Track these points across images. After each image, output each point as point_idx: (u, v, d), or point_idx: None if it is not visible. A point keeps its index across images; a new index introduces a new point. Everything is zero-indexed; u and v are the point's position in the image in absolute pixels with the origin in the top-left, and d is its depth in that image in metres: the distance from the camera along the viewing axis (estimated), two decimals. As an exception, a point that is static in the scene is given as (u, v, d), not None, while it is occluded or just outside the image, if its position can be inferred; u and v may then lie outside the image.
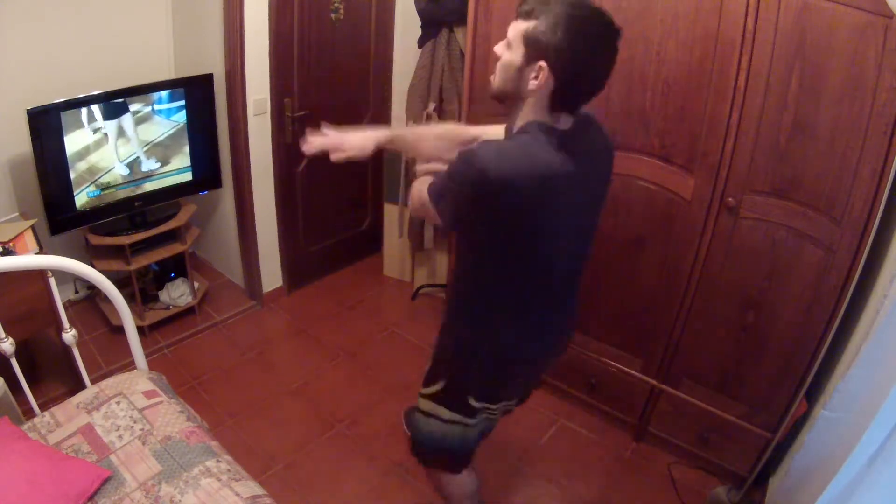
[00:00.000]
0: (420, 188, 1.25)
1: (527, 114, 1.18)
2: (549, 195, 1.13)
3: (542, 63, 1.09)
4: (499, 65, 1.18)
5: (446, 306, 1.48)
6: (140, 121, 2.44)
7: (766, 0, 1.56)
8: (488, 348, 1.36)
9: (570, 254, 1.33)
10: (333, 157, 1.43)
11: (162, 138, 2.55)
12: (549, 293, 1.35)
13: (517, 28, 1.12)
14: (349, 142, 1.44)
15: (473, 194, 1.11)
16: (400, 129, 1.44)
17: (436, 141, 1.51)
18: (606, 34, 1.10)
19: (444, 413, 1.46)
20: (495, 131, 1.39)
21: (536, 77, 1.11)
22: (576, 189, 1.19)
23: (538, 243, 1.22)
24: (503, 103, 1.23)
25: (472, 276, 1.33)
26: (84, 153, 2.32)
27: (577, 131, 1.19)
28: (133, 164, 2.50)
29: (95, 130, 2.32)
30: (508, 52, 1.15)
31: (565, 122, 1.19)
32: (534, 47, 1.09)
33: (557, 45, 1.07)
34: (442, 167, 1.29)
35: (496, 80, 1.20)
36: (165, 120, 2.53)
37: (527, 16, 1.10)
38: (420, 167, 1.40)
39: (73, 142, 2.27)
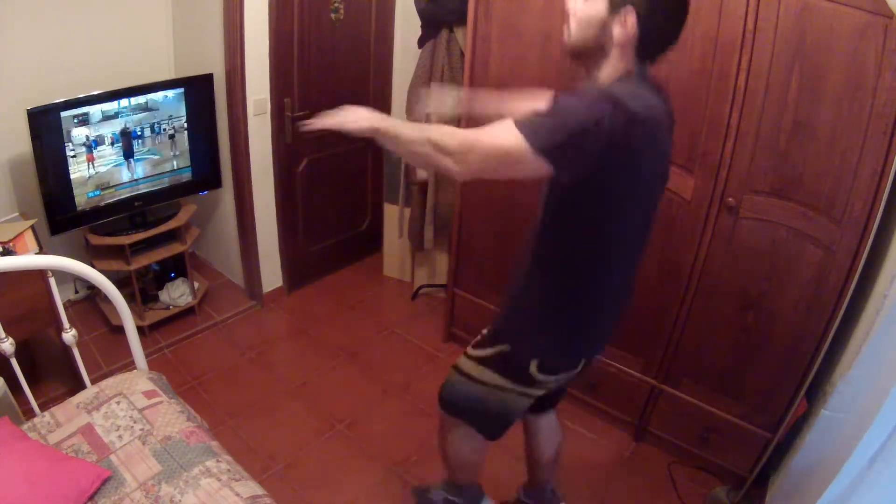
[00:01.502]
0: (487, 133, 1.09)
1: (614, 65, 1.15)
2: (663, 141, 1.15)
3: (629, 7, 1.09)
4: (576, 19, 1.16)
5: (524, 272, 1.39)
6: (140, 121, 2.44)
7: (766, 0, 1.56)
8: (570, 314, 1.33)
9: (650, 218, 1.31)
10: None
11: (162, 138, 2.55)
12: (626, 254, 1.32)
13: None
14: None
15: (611, 131, 1.03)
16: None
17: (473, 104, 1.50)
18: None
19: (495, 378, 1.42)
20: (532, 103, 1.34)
21: (624, 24, 1.11)
22: (670, 137, 1.20)
23: (638, 192, 1.19)
24: (581, 58, 1.20)
25: (560, 236, 1.28)
26: (84, 153, 2.32)
27: (659, 87, 1.19)
28: (133, 164, 2.50)
29: (95, 130, 2.32)
30: (587, 3, 1.14)
31: (647, 75, 1.18)
32: None
33: None
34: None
35: (574, 34, 1.17)
36: (165, 120, 2.53)
37: None
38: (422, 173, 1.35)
39: (73, 141, 2.27)
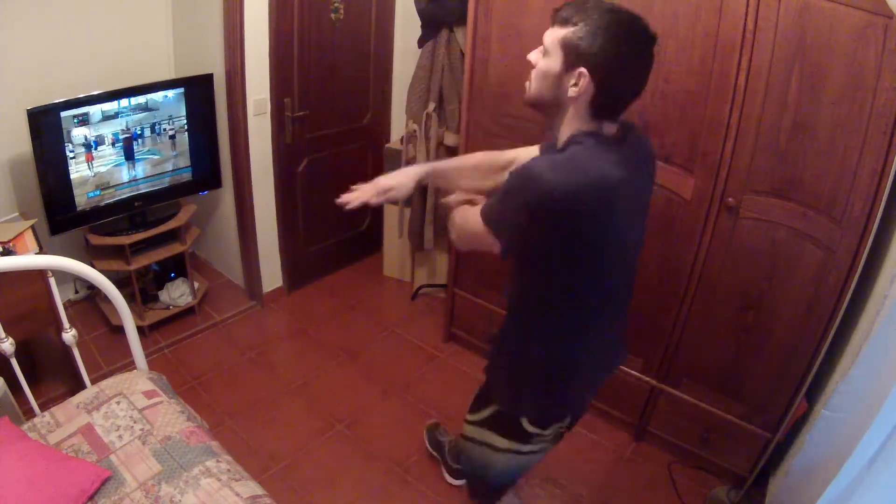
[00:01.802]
0: (465, 217, 1.25)
1: (570, 123, 1.15)
2: (607, 205, 1.11)
3: (583, 69, 1.07)
4: (534, 72, 1.16)
5: (501, 327, 1.43)
6: (140, 121, 2.44)
7: (766, 0, 1.56)
8: (547, 366, 1.32)
9: (624, 266, 1.31)
10: (376, 200, 1.46)
11: (162, 138, 2.55)
12: (606, 308, 1.31)
13: (555, 35, 1.10)
14: (387, 183, 1.46)
15: (533, 211, 1.08)
16: (438, 163, 1.45)
17: (473, 171, 1.52)
18: (644, 40, 1.09)
19: (498, 441, 1.43)
20: (528, 153, 1.39)
21: (576, 84, 1.09)
22: (628, 197, 1.17)
23: (597, 255, 1.19)
24: (539, 111, 1.21)
25: (530, 296, 1.30)
26: (84, 153, 2.32)
27: (621, 138, 1.18)
28: (133, 164, 2.49)
29: (95, 130, 2.32)
30: (545, 59, 1.13)
31: (608, 129, 1.16)
32: (573, 54, 1.08)
33: (597, 51, 1.06)
34: (474, 197, 1.34)
35: (532, 87, 1.18)
36: (165, 120, 2.53)
37: (564, 22, 1.09)
38: (452, 198, 1.41)
39: (73, 142, 2.27)
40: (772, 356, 1.90)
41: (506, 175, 1.19)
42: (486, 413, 1.45)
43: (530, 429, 1.38)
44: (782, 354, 1.87)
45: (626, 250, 1.29)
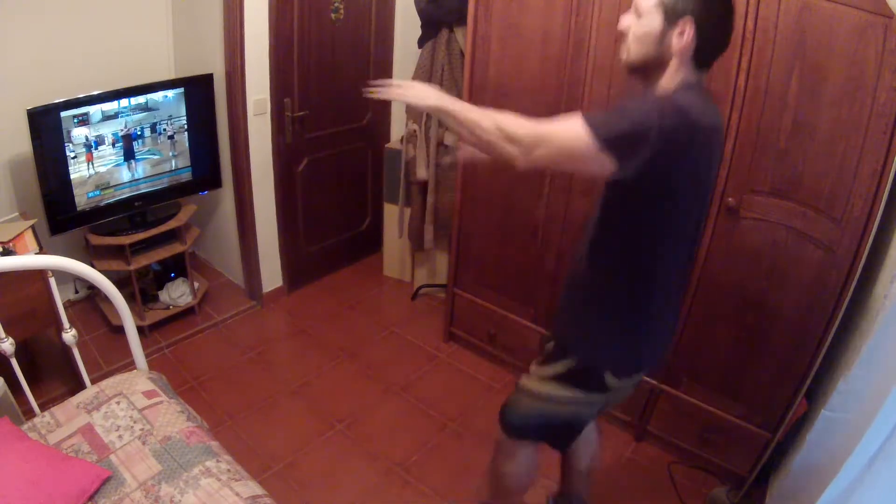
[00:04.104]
0: (550, 129, 1.13)
1: (673, 76, 1.19)
2: (716, 148, 1.21)
3: (689, 19, 1.14)
4: (633, 36, 1.21)
5: (579, 280, 1.41)
6: (140, 121, 2.44)
7: (766, 0, 1.56)
8: (636, 317, 1.34)
9: (704, 215, 1.38)
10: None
11: (162, 138, 2.55)
12: (684, 257, 1.36)
13: None
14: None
15: (671, 135, 1.08)
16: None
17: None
18: None
19: (567, 393, 1.41)
20: None
21: (682, 35, 1.15)
22: (722, 142, 1.30)
23: (695, 192, 1.23)
24: (639, 73, 1.23)
25: (624, 239, 1.28)
26: (84, 153, 2.32)
27: (711, 96, 1.24)
28: (133, 164, 2.50)
29: (95, 130, 2.32)
30: (643, 20, 1.19)
31: (705, 81, 1.23)
32: (672, 10, 1.15)
33: (696, 3, 1.14)
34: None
35: (632, 51, 1.22)
36: (165, 120, 2.53)
37: None
38: (398, 93, 1.32)
39: (73, 141, 2.27)
40: (772, 356, 1.90)
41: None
42: (560, 367, 1.42)
43: (612, 380, 1.38)
44: (782, 354, 1.87)
45: (705, 199, 1.35)
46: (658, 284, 1.31)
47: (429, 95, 1.29)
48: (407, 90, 1.31)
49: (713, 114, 1.17)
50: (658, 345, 1.45)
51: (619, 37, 1.25)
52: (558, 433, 1.54)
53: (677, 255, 1.32)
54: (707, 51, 1.19)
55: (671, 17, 1.15)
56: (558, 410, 1.46)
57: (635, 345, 1.39)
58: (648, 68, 1.21)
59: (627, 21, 1.22)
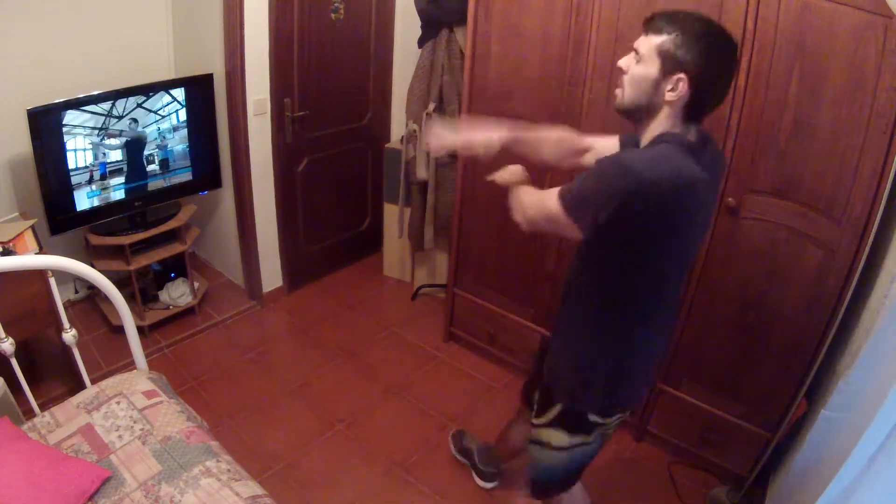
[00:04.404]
0: (540, 198, 1.27)
1: (660, 124, 1.20)
2: (692, 202, 1.18)
3: (682, 75, 1.13)
4: (628, 79, 1.21)
5: (561, 325, 1.46)
6: (140, 121, 2.44)
7: (766, 0, 1.56)
8: (613, 358, 1.35)
9: (685, 269, 1.39)
10: (463, 153, 1.48)
11: (162, 138, 2.55)
12: (670, 300, 1.37)
13: (651, 42, 1.16)
14: (476, 140, 1.49)
15: (624, 201, 1.11)
16: (521, 131, 1.47)
17: (554, 147, 1.55)
18: (733, 48, 1.17)
19: (563, 439, 1.44)
20: (607, 142, 1.46)
21: (674, 89, 1.15)
22: (707, 201, 1.26)
23: (674, 249, 1.24)
24: (630, 116, 1.25)
25: (600, 288, 1.32)
26: (84, 153, 2.32)
27: (702, 145, 1.22)
28: (133, 164, 2.49)
29: (95, 130, 2.32)
30: (640, 65, 1.19)
31: (694, 134, 1.21)
32: (671, 60, 1.14)
33: (695, 57, 1.12)
34: (524, 173, 1.43)
35: (626, 93, 1.22)
36: (165, 120, 2.53)
37: (659, 31, 1.16)
38: (498, 176, 1.46)
39: (73, 142, 2.27)
40: (772, 356, 1.90)
41: (584, 160, 1.28)
42: (552, 414, 1.45)
43: (597, 419, 1.41)
44: (782, 354, 1.87)
45: (690, 253, 1.36)
46: (646, 318, 1.33)
47: (513, 177, 1.44)
48: (505, 171, 1.47)
49: (686, 170, 1.13)
50: (642, 380, 1.48)
51: (616, 75, 1.25)
52: (570, 477, 1.56)
53: (667, 290, 1.33)
54: (700, 106, 1.18)
55: (668, 67, 1.14)
56: (567, 456, 1.47)
57: (616, 388, 1.39)
58: (639, 113, 1.22)
59: (626, 62, 1.22)
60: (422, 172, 2.82)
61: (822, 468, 1.53)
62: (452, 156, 2.67)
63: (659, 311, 1.34)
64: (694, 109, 1.18)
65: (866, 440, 1.31)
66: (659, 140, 1.18)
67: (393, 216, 3.15)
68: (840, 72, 1.52)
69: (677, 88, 1.14)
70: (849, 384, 1.50)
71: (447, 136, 1.54)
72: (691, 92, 1.14)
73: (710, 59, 1.13)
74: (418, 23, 2.67)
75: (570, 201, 1.18)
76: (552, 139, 1.56)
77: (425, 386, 2.58)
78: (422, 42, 2.69)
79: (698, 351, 2.05)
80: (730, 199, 1.80)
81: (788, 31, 1.56)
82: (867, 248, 1.60)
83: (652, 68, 1.16)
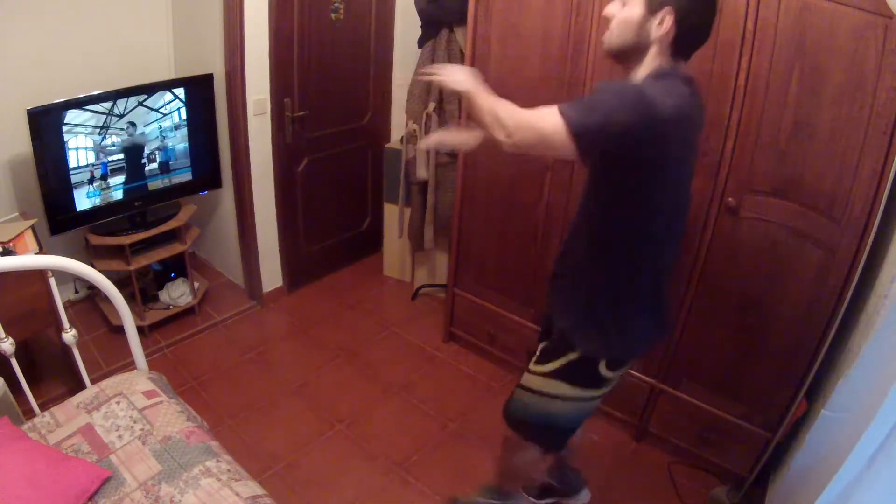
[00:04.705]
0: (533, 115, 1.19)
1: (650, 62, 1.24)
2: (692, 131, 1.26)
3: (668, 9, 1.18)
4: (616, 22, 1.25)
5: (569, 278, 1.47)
6: (140, 121, 2.44)
7: (766, 0, 1.56)
8: (624, 305, 1.37)
9: (688, 198, 1.38)
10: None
11: (162, 138, 2.55)
12: (670, 235, 1.37)
13: None
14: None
15: (636, 125, 1.13)
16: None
17: None
18: None
19: (567, 389, 1.45)
20: None
21: (661, 23, 1.19)
22: (700, 127, 1.31)
23: (671, 179, 1.26)
24: (619, 58, 1.29)
25: (601, 225, 1.35)
26: (84, 153, 2.32)
27: (691, 79, 1.26)
28: (133, 164, 2.49)
29: (96, 130, 2.32)
30: (626, 8, 1.23)
31: (683, 68, 1.26)
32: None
33: None
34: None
35: (614, 36, 1.26)
36: (167, 118, 2.53)
37: None
38: (449, 78, 1.37)
39: (73, 142, 2.27)
40: (772, 356, 1.90)
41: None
42: (559, 363, 1.46)
43: (605, 373, 1.42)
44: (782, 354, 1.87)
45: (687, 183, 1.35)
46: (654, 263, 1.35)
47: (463, 80, 1.36)
48: (446, 74, 1.38)
49: (685, 98, 1.19)
50: (657, 324, 1.47)
51: (604, 23, 1.29)
52: (554, 433, 1.57)
53: (669, 224, 1.33)
54: (685, 41, 1.22)
55: (653, 7, 1.19)
56: (559, 408, 1.48)
57: (632, 332, 1.41)
58: (627, 54, 1.26)
59: (612, 8, 1.26)
60: (422, 172, 2.82)
61: (821, 468, 1.53)
62: (452, 155, 2.68)
63: (660, 246, 1.36)
64: (681, 45, 1.22)
65: (866, 440, 1.31)
66: (659, 74, 1.22)
67: (393, 216, 3.16)
68: (840, 72, 1.52)
69: (664, 24, 1.19)
70: (849, 384, 1.51)
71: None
72: (676, 27, 1.18)
73: None
74: (418, 23, 2.67)
75: (577, 121, 1.13)
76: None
77: (425, 386, 2.58)
78: (422, 42, 2.69)
79: (698, 351, 2.05)
80: (730, 199, 1.80)
81: (788, 31, 1.56)
82: (867, 248, 1.61)
83: (637, 9, 1.21)
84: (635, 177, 1.23)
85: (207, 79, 2.60)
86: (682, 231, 1.43)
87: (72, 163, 2.29)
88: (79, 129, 2.27)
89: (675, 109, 1.15)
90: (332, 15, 2.80)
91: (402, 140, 2.91)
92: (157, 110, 2.48)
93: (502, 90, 2.18)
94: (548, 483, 1.97)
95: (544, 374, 1.49)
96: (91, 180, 2.38)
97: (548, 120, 1.16)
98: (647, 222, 1.30)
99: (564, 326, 1.47)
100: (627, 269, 1.35)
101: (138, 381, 1.72)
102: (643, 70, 1.24)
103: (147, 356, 1.95)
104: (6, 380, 1.70)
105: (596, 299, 1.40)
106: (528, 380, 1.53)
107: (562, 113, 1.14)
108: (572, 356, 1.43)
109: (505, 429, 1.64)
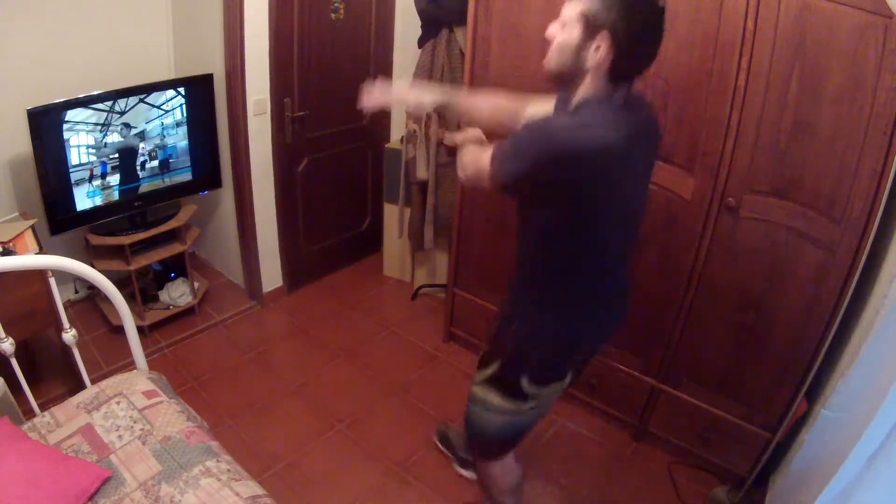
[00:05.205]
0: (478, 156, 1.29)
1: (587, 88, 1.22)
2: (610, 166, 1.19)
3: (604, 34, 1.15)
4: (554, 46, 1.24)
5: (509, 286, 1.51)
6: (140, 121, 2.44)
7: (766, 0, 1.56)
8: (549, 326, 1.40)
9: (623, 231, 1.38)
10: (395, 105, 1.54)
11: (162, 138, 2.55)
12: (604, 270, 1.39)
13: (573, 9, 1.19)
14: (408, 99, 1.56)
15: (544, 166, 1.17)
16: (456, 96, 1.54)
17: (491, 112, 1.59)
18: (655, 9, 1.18)
19: (495, 399, 1.48)
20: (543, 106, 1.47)
21: (598, 50, 1.17)
22: (630, 161, 1.25)
23: (598, 214, 1.26)
24: (557, 82, 1.28)
25: (534, 253, 1.38)
26: (84, 153, 2.32)
27: (630, 107, 1.25)
28: (133, 164, 2.49)
29: (95, 130, 2.32)
30: (564, 30, 1.21)
31: (619, 97, 1.23)
32: (592, 24, 1.16)
33: (615, 18, 1.14)
34: (481, 137, 1.43)
35: (552, 60, 1.25)
36: (164, 122, 2.53)
37: None
38: (457, 136, 1.46)
39: (74, 141, 2.27)
40: (772, 356, 1.90)
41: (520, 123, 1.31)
42: (489, 372, 1.49)
43: (528, 388, 1.43)
44: (782, 354, 1.87)
45: (626, 214, 1.35)
46: (578, 288, 1.37)
47: (425, 99, 1.48)
48: (459, 136, 1.45)
49: (611, 131, 1.16)
50: (579, 347, 1.49)
51: (546, 44, 1.27)
52: (489, 442, 1.59)
53: (599, 259, 1.35)
54: (623, 67, 1.19)
55: (590, 31, 1.16)
56: (491, 419, 1.51)
57: (554, 349, 1.43)
58: (565, 79, 1.25)
59: (552, 30, 1.24)
60: (422, 172, 2.82)
61: (821, 467, 1.53)
62: (452, 155, 2.68)
63: (598, 278, 1.37)
64: (619, 72, 1.19)
65: (866, 439, 1.31)
66: (584, 105, 1.22)
67: (393, 216, 3.16)
68: (840, 71, 1.52)
69: (599, 51, 1.16)
70: (848, 384, 1.51)
71: (379, 92, 1.56)
72: (614, 53, 1.16)
73: (631, 16, 1.14)
74: (418, 23, 2.67)
75: (499, 173, 1.23)
76: (488, 106, 1.61)
77: (425, 386, 2.58)
78: (422, 42, 2.69)
79: (698, 351, 2.05)
80: (730, 199, 1.80)
81: (788, 31, 1.56)
82: (867, 248, 1.61)
83: (574, 33, 1.19)
84: (558, 214, 1.25)
85: (207, 79, 2.60)
86: (618, 260, 1.43)
87: (73, 160, 2.29)
88: (80, 126, 2.27)
89: (591, 145, 1.14)
90: (332, 15, 2.80)
91: (402, 140, 2.91)
92: (158, 107, 2.48)
93: (502, 90, 2.20)
94: None
95: (480, 383, 1.53)
96: (91, 178, 2.38)
97: (484, 160, 1.25)
98: (567, 260, 1.32)
99: (492, 337, 1.53)
100: (547, 294, 1.39)
101: (138, 381, 1.72)
102: (579, 95, 1.23)
103: (147, 356, 1.95)
104: (6, 380, 1.70)
105: (518, 315, 1.46)
106: (471, 389, 1.57)
107: (492, 163, 1.23)
108: (497, 365, 1.47)
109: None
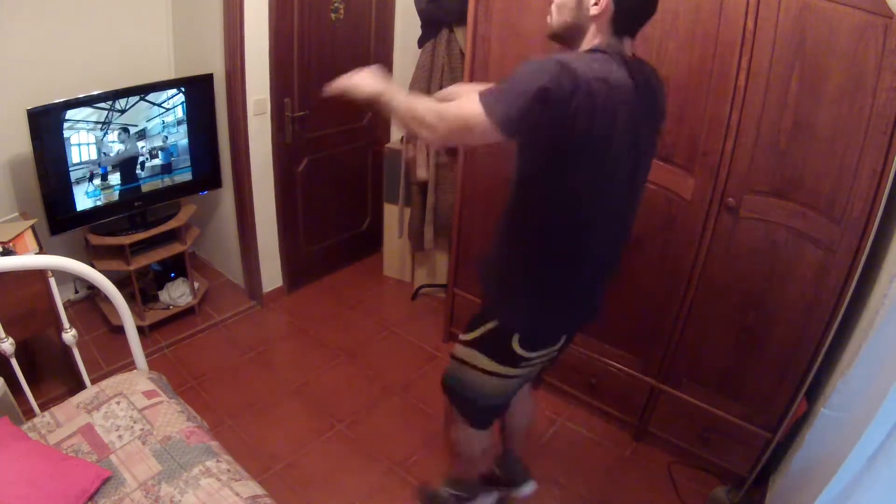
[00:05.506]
0: (455, 106, 1.19)
1: (590, 41, 1.22)
2: (619, 109, 1.15)
3: None
4: (555, 4, 1.25)
5: (495, 247, 1.48)
6: (140, 121, 2.44)
7: (766, 0, 1.57)
8: (538, 285, 1.38)
9: (622, 189, 1.31)
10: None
11: (162, 138, 2.55)
12: (596, 232, 1.33)
13: None
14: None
15: (549, 96, 1.09)
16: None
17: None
18: None
19: (483, 361, 1.48)
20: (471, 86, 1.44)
21: (598, 2, 1.17)
22: (636, 108, 1.19)
23: (598, 159, 1.20)
24: (561, 40, 1.27)
25: (524, 206, 1.33)
26: (84, 153, 2.32)
27: (634, 60, 1.24)
28: (133, 164, 2.49)
29: (95, 130, 2.32)
30: None
31: (626, 47, 1.22)
32: None
33: None
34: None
35: (554, 18, 1.25)
36: (165, 120, 2.53)
37: None
38: (350, 83, 1.43)
39: (75, 137, 2.27)
40: (772, 356, 1.90)
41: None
42: (479, 332, 1.49)
43: (519, 350, 1.42)
44: (782, 354, 1.87)
45: (625, 167, 1.27)
46: (573, 248, 1.32)
47: (370, 83, 1.34)
48: (349, 82, 1.37)
49: (611, 74, 1.13)
50: (574, 312, 1.47)
51: (546, 6, 1.28)
52: (477, 407, 1.60)
53: (596, 213, 1.30)
54: (625, 18, 1.19)
55: None
56: (475, 379, 1.51)
57: (545, 310, 1.42)
58: (568, 35, 1.25)
59: None
60: (422, 172, 2.82)
61: (821, 467, 1.53)
62: (452, 155, 2.68)
63: (574, 249, 1.31)
64: (621, 22, 1.19)
65: (866, 439, 1.31)
66: (590, 51, 1.20)
67: (393, 216, 3.16)
68: (840, 72, 1.52)
69: (600, 2, 1.16)
70: (848, 383, 1.51)
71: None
72: (615, 4, 1.16)
73: None
74: (418, 23, 2.67)
75: (494, 102, 1.13)
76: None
77: (425, 386, 2.58)
78: (422, 42, 2.69)
79: (698, 351, 2.05)
80: (730, 199, 1.80)
81: (788, 31, 1.56)
82: (867, 248, 1.61)
83: None
84: (545, 155, 1.19)
85: (207, 79, 2.60)
86: (615, 223, 1.36)
87: (74, 159, 2.29)
88: (80, 125, 2.27)
89: (603, 78, 1.11)
90: (332, 15, 2.80)
91: (402, 140, 2.91)
92: (159, 104, 2.48)
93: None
94: (492, 473, 1.98)
95: (466, 343, 1.53)
96: (91, 178, 2.38)
97: (469, 108, 1.15)
98: (560, 210, 1.27)
99: (485, 303, 1.52)
100: (541, 251, 1.34)
101: (138, 381, 1.72)
102: (581, 49, 1.23)
103: (147, 356, 1.95)
104: (6, 380, 1.70)
105: (510, 273, 1.43)
106: (456, 347, 1.58)
107: (483, 102, 1.13)
108: (490, 325, 1.46)
109: (444, 401, 1.68)
